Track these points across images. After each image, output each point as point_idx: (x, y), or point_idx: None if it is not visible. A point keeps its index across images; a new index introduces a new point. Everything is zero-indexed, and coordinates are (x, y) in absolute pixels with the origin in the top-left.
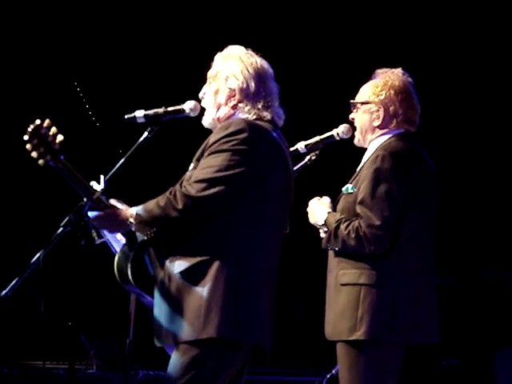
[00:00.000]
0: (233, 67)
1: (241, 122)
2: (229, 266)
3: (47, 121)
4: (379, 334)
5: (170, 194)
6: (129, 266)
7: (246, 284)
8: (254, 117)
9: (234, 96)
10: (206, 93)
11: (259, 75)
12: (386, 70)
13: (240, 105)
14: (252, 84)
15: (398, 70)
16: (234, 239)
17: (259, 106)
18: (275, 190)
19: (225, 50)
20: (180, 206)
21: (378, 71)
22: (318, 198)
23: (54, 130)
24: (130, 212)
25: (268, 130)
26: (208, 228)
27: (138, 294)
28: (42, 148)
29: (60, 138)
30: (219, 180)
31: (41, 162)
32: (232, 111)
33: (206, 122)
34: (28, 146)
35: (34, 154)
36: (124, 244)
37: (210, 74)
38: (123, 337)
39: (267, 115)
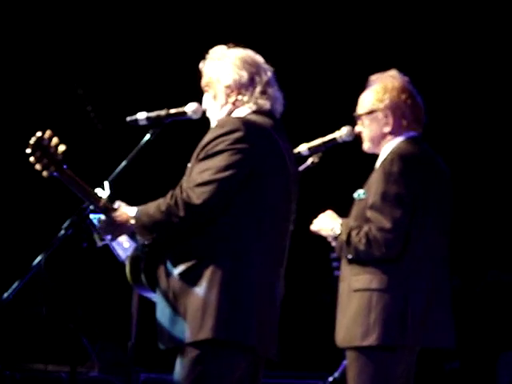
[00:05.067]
0: (220, 66)
1: (235, 121)
2: (224, 265)
3: (48, 132)
4: (392, 339)
5: (171, 199)
6: (142, 270)
7: (241, 283)
8: (254, 108)
9: (232, 91)
10: (207, 102)
11: (247, 63)
12: (379, 75)
13: (239, 97)
14: (244, 73)
15: (393, 72)
16: (231, 238)
17: (256, 94)
18: (273, 187)
19: (207, 56)
20: (182, 214)
21: (372, 78)
22: (327, 211)
23: (55, 140)
24: (130, 214)
25: (265, 127)
26: (206, 228)
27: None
28: (45, 160)
29: (62, 148)
30: (218, 182)
31: (45, 173)
32: (233, 107)
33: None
34: (31, 159)
35: (38, 167)
36: (136, 245)
37: (202, 84)
38: (125, 339)
39: (266, 104)
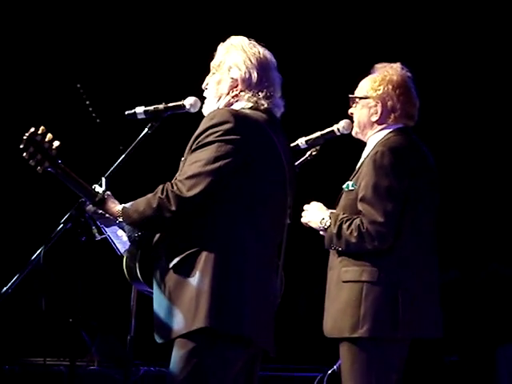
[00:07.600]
0: (235, 57)
1: (225, 113)
2: (216, 255)
3: (42, 128)
4: (382, 332)
5: (162, 193)
6: (137, 265)
7: (233, 272)
8: (251, 105)
9: (237, 86)
10: (209, 83)
11: (262, 65)
12: (385, 64)
13: (241, 93)
14: (254, 74)
15: (397, 65)
16: (222, 228)
17: (260, 96)
18: (266, 179)
19: (227, 41)
20: (173, 208)
21: (377, 66)
22: (313, 202)
23: (49, 136)
24: (117, 209)
25: (256, 119)
26: (198, 220)
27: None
28: (38, 155)
29: (56, 143)
30: (209, 173)
31: (39, 169)
32: (232, 100)
33: (207, 111)
34: (25, 155)
35: (32, 162)
36: (129, 241)
37: (213, 64)
38: (124, 333)
39: (265, 104)
